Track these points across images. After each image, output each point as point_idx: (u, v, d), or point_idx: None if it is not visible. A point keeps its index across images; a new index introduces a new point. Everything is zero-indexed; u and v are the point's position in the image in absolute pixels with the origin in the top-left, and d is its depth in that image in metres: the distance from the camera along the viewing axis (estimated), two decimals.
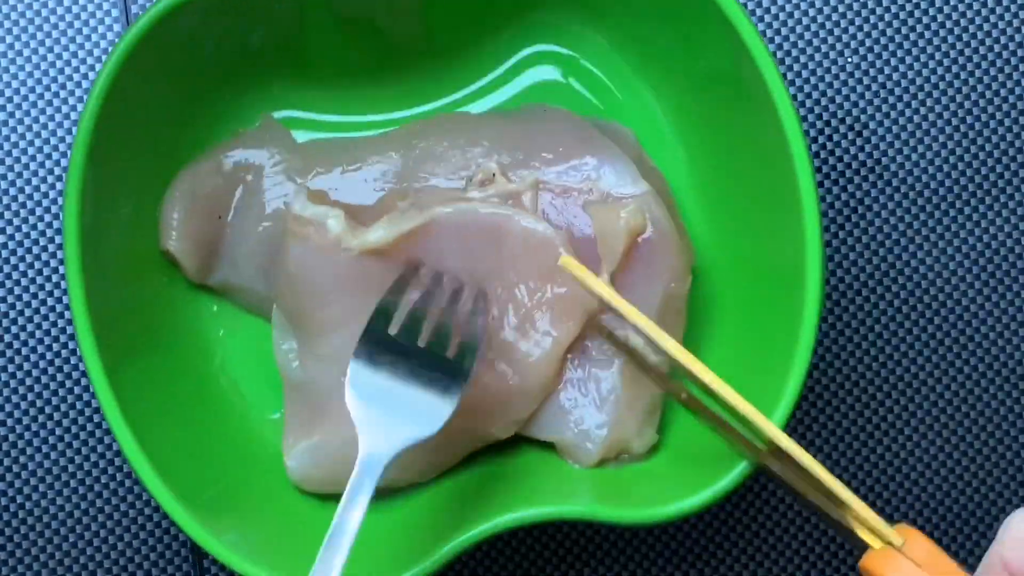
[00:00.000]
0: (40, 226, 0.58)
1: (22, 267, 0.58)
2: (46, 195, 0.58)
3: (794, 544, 0.59)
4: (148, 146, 0.54)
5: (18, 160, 0.58)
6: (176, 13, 0.51)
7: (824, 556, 0.59)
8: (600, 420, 0.53)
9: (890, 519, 0.47)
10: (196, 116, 0.56)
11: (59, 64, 0.58)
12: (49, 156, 0.58)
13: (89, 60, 0.58)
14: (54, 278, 0.58)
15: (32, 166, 0.58)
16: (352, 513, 0.46)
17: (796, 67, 0.59)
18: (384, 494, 0.54)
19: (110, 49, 0.57)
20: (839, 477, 0.57)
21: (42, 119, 0.58)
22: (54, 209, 0.58)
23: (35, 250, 0.58)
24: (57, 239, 0.58)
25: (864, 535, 0.47)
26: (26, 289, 0.58)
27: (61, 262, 0.58)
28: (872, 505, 0.56)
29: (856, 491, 0.57)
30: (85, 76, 0.58)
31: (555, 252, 0.52)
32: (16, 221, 0.58)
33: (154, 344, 0.54)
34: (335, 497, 0.49)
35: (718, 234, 0.56)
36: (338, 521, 0.46)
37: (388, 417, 0.48)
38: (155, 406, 0.53)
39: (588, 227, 0.53)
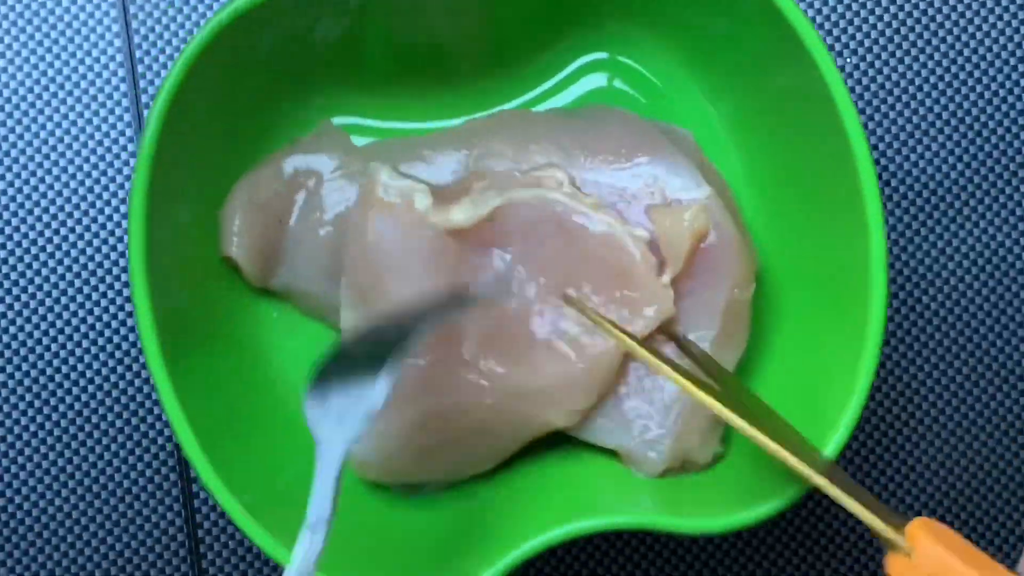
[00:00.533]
0: (79, 228, 0.58)
1: (21, 270, 0.58)
2: (66, 199, 0.58)
3: (848, 561, 0.59)
4: (209, 153, 0.54)
5: (16, 160, 0.58)
6: (240, 20, 0.51)
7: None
8: (664, 431, 0.53)
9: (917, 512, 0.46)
10: (255, 124, 0.56)
11: (57, 64, 0.58)
12: (47, 156, 0.58)
13: (87, 60, 0.58)
14: (89, 282, 0.58)
15: (24, 175, 0.58)
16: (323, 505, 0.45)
17: None
18: (442, 491, 0.54)
19: (108, 50, 0.58)
20: (854, 475, 0.57)
21: (40, 119, 0.58)
22: (99, 214, 0.58)
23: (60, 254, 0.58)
24: (93, 241, 0.58)
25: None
26: (31, 295, 0.58)
27: (90, 268, 0.58)
28: (887, 502, 0.56)
29: (872, 487, 0.57)
30: (84, 76, 0.58)
31: (630, 258, 0.52)
32: (72, 222, 0.58)
33: (215, 347, 0.54)
34: (398, 491, 0.50)
35: (777, 240, 0.56)
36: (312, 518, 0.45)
37: (336, 412, 0.47)
38: (216, 410, 0.52)
39: (649, 231, 0.53)
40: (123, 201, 0.58)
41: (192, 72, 0.51)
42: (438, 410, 0.52)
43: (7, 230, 0.58)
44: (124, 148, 0.58)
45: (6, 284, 0.58)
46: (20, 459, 0.57)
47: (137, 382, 0.58)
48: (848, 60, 0.59)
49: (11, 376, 0.57)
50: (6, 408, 0.57)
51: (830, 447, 0.50)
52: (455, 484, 0.55)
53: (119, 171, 0.58)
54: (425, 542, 0.50)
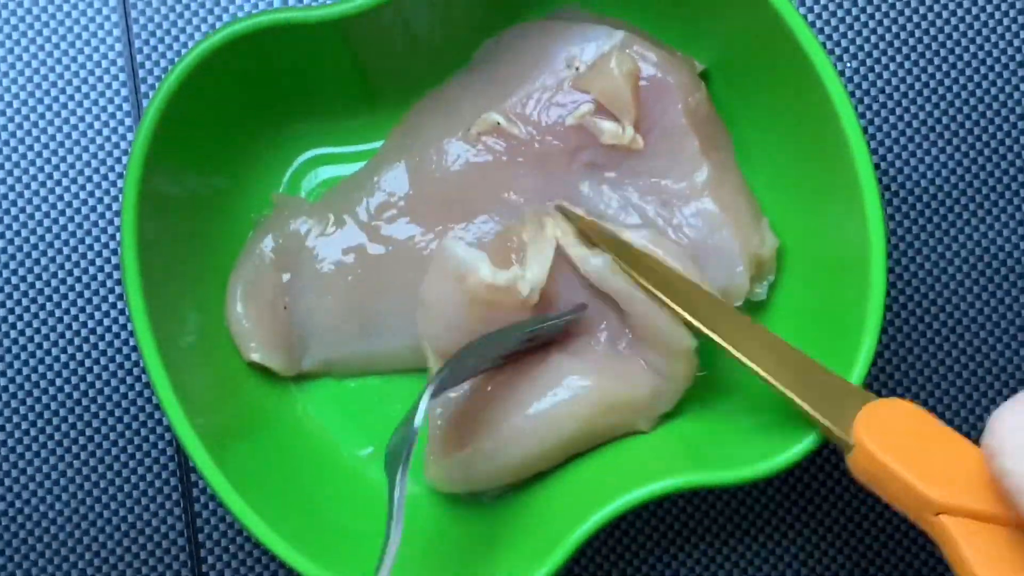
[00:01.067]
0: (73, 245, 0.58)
1: (22, 273, 0.58)
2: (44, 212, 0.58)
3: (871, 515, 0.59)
4: (192, 242, 0.54)
5: (17, 161, 0.58)
6: (184, 86, 0.51)
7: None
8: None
9: None
10: (228, 189, 0.55)
11: (59, 69, 0.58)
12: (47, 157, 0.58)
13: (89, 65, 0.58)
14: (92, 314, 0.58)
15: (24, 177, 0.58)
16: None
17: None
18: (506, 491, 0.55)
19: (108, 51, 0.58)
20: None
21: (41, 123, 0.58)
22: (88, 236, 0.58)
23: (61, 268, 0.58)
24: (84, 268, 0.58)
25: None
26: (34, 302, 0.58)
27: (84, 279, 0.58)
28: None
29: None
30: (85, 80, 0.58)
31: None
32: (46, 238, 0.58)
33: (244, 415, 0.55)
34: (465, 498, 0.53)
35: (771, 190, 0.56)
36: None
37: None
38: (256, 473, 0.53)
39: (589, 102, 0.53)
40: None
41: (155, 135, 0.51)
42: (536, 427, 0.53)
43: (7, 233, 0.58)
44: (124, 149, 0.58)
45: (6, 288, 0.58)
46: (20, 462, 0.57)
47: (137, 385, 0.58)
48: (848, 65, 0.59)
49: (11, 379, 0.57)
50: (6, 412, 0.58)
51: (860, 358, 0.49)
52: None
53: (119, 171, 0.58)
54: (472, 542, 0.51)
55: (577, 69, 0.53)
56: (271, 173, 0.57)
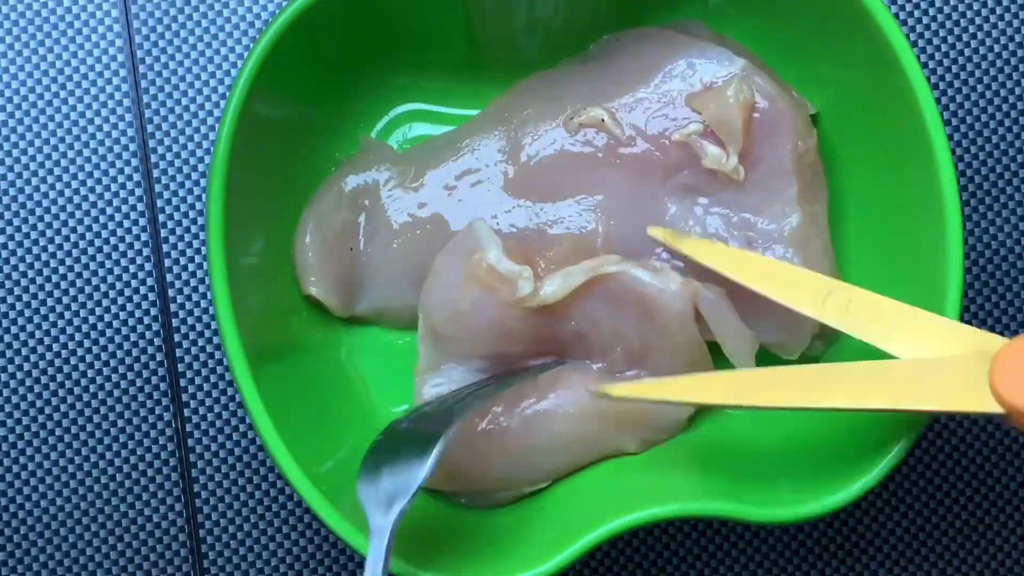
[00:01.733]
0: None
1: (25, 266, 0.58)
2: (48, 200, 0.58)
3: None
4: (276, 168, 0.54)
5: (17, 160, 0.58)
6: (302, 19, 0.51)
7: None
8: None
9: None
10: (322, 126, 0.56)
11: (59, 64, 0.58)
12: (48, 156, 0.58)
13: (89, 60, 0.58)
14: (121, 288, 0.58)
15: (25, 175, 0.58)
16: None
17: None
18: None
19: (110, 50, 0.58)
20: None
21: (42, 119, 0.58)
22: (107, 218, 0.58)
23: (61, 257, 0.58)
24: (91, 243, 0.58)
25: None
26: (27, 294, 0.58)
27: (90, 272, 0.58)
28: None
29: None
30: (85, 76, 0.58)
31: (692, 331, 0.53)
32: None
33: (289, 344, 0.55)
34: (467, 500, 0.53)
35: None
36: None
37: (386, 494, 0.48)
38: (291, 399, 0.53)
39: (700, 121, 0.53)
40: (124, 201, 0.58)
41: (257, 82, 0.51)
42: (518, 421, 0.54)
43: (8, 229, 0.57)
44: (125, 147, 0.58)
45: (7, 284, 0.57)
46: (22, 459, 0.57)
47: (139, 382, 0.57)
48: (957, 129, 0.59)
49: (12, 376, 0.57)
50: (7, 408, 0.57)
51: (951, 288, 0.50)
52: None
53: (120, 170, 0.58)
54: (485, 538, 0.51)
55: (692, 86, 0.54)
56: (366, 119, 0.57)
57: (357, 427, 0.55)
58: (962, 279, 0.50)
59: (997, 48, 0.59)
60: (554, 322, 0.53)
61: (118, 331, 0.57)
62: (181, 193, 0.58)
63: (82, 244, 0.57)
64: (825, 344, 0.55)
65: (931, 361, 0.47)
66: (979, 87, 0.59)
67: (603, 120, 0.54)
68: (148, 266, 0.58)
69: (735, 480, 0.52)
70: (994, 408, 0.46)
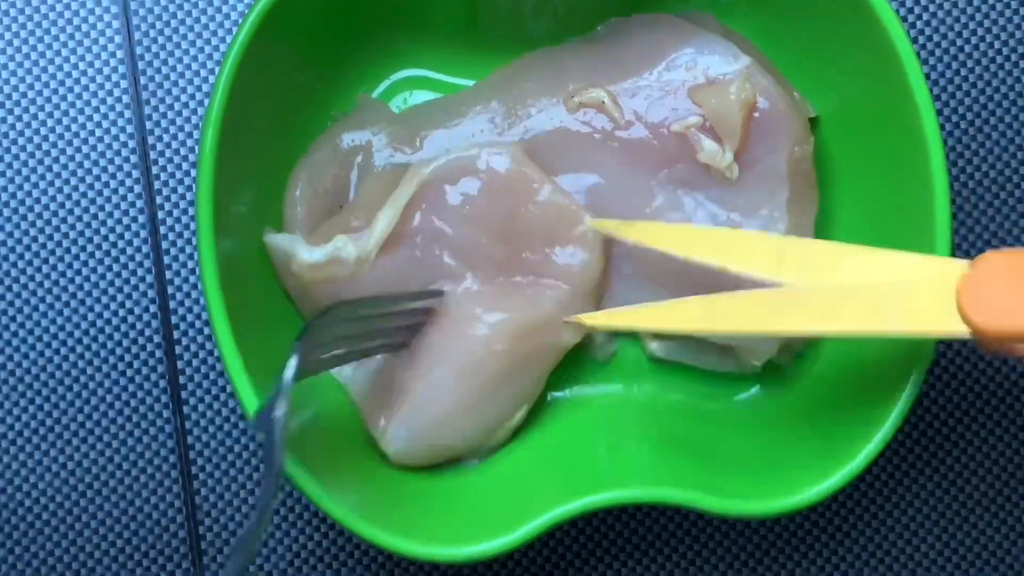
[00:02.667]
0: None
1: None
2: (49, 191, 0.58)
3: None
4: (272, 125, 0.54)
5: (16, 158, 0.58)
6: None
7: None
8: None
9: None
10: (321, 86, 0.56)
11: (58, 63, 0.58)
12: (47, 154, 0.58)
13: (88, 57, 0.58)
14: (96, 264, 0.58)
15: (24, 172, 0.58)
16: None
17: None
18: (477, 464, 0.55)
19: (109, 47, 0.58)
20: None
21: (41, 116, 0.58)
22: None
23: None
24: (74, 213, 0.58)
25: None
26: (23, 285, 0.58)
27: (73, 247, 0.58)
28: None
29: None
30: (84, 75, 0.58)
31: (578, 221, 0.53)
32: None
33: (267, 290, 0.55)
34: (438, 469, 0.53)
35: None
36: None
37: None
38: (254, 317, 0.53)
39: (699, 114, 0.53)
40: (123, 199, 0.58)
41: (257, 36, 0.51)
42: (458, 369, 0.53)
43: (7, 227, 0.57)
44: (125, 144, 0.58)
45: (6, 281, 0.57)
46: (21, 456, 0.57)
47: (138, 380, 0.57)
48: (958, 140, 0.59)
49: (11, 373, 0.57)
50: (7, 407, 0.57)
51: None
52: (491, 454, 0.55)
53: (119, 168, 0.58)
54: (462, 505, 0.51)
55: (695, 78, 0.54)
56: (366, 81, 0.57)
57: None
58: None
59: (998, 45, 0.59)
60: (411, 255, 0.53)
61: (117, 329, 0.57)
62: (180, 191, 0.58)
63: (81, 242, 0.57)
64: (791, 355, 0.55)
65: (899, 284, 0.47)
66: (981, 98, 0.59)
67: (603, 102, 0.54)
68: (147, 264, 0.58)
69: (704, 471, 0.52)
70: (961, 329, 0.46)
